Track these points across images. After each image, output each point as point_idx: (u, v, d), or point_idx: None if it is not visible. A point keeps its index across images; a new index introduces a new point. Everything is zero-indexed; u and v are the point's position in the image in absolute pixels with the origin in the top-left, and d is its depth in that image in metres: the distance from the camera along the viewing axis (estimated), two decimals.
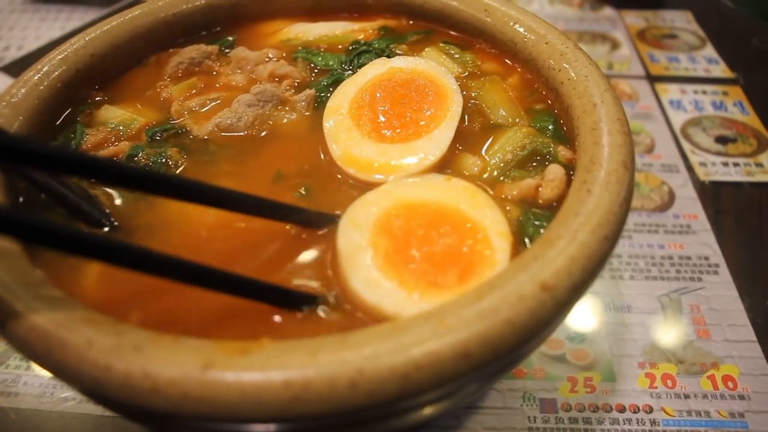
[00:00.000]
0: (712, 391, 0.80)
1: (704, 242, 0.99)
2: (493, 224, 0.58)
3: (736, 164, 1.14)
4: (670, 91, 1.33)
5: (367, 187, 0.64)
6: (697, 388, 0.80)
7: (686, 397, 0.79)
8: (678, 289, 0.92)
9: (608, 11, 1.62)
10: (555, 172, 0.62)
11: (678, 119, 1.25)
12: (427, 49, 0.84)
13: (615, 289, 0.92)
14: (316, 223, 0.61)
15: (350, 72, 0.81)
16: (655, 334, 0.86)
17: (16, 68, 1.33)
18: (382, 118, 0.68)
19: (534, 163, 0.66)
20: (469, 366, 0.45)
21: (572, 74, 0.70)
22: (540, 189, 0.62)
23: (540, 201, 0.62)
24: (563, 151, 0.66)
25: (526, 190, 0.62)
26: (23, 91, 0.71)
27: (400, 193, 0.61)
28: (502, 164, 0.66)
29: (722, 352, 0.84)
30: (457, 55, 0.82)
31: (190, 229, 0.62)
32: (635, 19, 1.58)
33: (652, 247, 0.98)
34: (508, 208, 0.62)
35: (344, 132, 0.68)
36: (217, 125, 0.73)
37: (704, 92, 1.33)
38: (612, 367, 0.82)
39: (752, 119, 1.25)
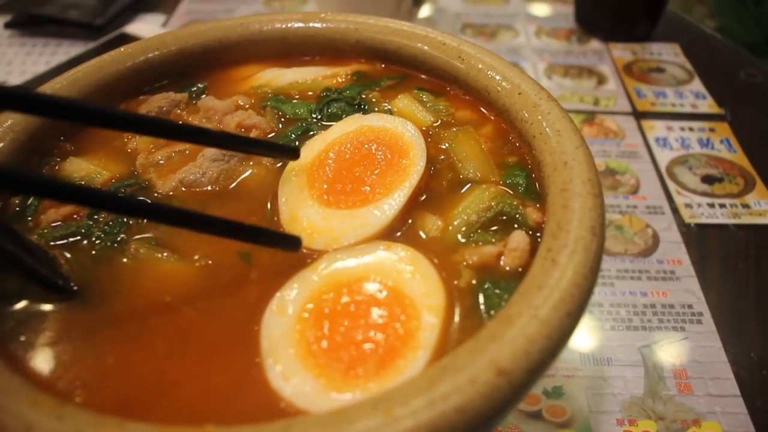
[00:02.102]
0: None
1: (688, 289, 0.97)
2: (427, 298, 0.56)
3: (722, 205, 1.12)
4: (656, 128, 1.31)
5: (309, 254, 0.62)
6: None
7: None
8: (660, 339, 0.90)
9: (595, 44, 1.61)
10: (518, 240, 0.60)
11: (664, 158, 1.23)
12: (400, 96, 0.82)
13: (596, 341, 0.90)
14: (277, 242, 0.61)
15: (318, 121, 0.79)
16: (636, 388, 0.84)
17: None
18: (335, 181, 0.66)
19: (499, 226, 0.64)
20: None
21: (545, 128, 0.68)
22: (502, 257, 0.60)
23: (500, 269, 0.60)
24: (533, 214, 0.63)
25: (486, 258, 0.60)
26: None
27: (334, 269, 0.59)
28: (464, 226, 0.63)
29: (705, 407, 0.82)
30: (431, 104, 0.80)
31: (151, 293, 0.60)
32: (622, 52, 1.57)
33: (635, 294, 0.96)
34: (461, 274, 0.59)
35: (296, 192, 0.66)
36: (181, 181, 0.71)
37: (691, 129, 1.31)
38: (590, 425, 0.80)
39: (739, 157, 1.24)
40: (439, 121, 0.78)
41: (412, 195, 0.64)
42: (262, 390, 0.51)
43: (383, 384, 0.50)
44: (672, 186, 1.16)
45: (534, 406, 0.81)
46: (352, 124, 0.73)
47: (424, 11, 1.71)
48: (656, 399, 0.83)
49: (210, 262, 0.63)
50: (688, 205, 1.12)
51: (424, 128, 0.75)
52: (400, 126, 0.71)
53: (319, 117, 0.80)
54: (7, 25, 1.73)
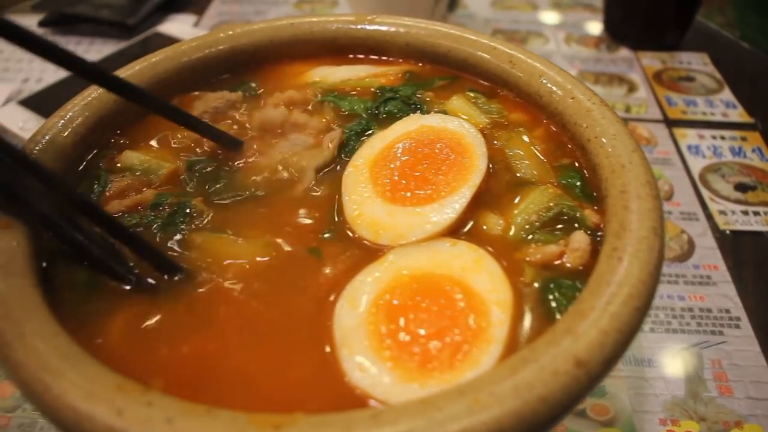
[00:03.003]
0: None
1: (725, 294, 0.98)
2: (494, 293, 0.57)
3: (756, 213, 1.13)
4: (688, 136, 1.32)
5: (374, 248, 0.64)
6: None
7: None
8: (699, 342, 0.91)
9: (625, 52, 1.62)
10: (579, 240, 0.61)
11: (697, 165, 1.24)
12: (454, 98, 0.83)
13: (635, 342, 0.91)
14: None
15: (375, 118, 0.81)
16: (676, 389, 0.85)
17: (33, 102, 1.34)
18: (398, 178, 0.68)
19: (560, 225, 0.65)
20: None
21: (599, 132, 0.70)
22: (564, 256, 0.61)
23: (563, 268, 0.61)
24: (590, 215, 0.65)
25: (549, 257, 0.61)
26: (47, 138, 0.71)
27: (401, 264, 0.60)
28: (527, 225, 0.65)
29: (746, 410, 0.83)
30: (485, 105, 0.82)
31: (220, 283, 0.62)
32: (652, 60, 1.58)
33: (672, 298, 0.98)
34: (525, 272, 0.61)
35: (360, 189, 0.68)
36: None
37: (722, 137, 1.32)
38: (633, 424, 0.81)
39: None
40: (493, 123, 0.79)
41: (474, 194, 0.66)
42: (338, 381, 0.53)
43: (458, 376, 0.51)
44: (705, 193, 1.17)
45: (579, 405, 0.82)
46: (412, 123, 0.74)
47: (455, 16, 1.73)
48: (697, 400, 0.84)
49: (278, 254, 0.64)
50: (722, 212, 1.13)
51: (480, 128, 0.77)
52: (461, 126, 0.72)
53: (376, 114, 0.81)
54: (41, 24, 1.75)
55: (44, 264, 0.62)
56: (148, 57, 0.87)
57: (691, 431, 0.81)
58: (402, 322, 0.56)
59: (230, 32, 0.91)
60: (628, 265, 0.54)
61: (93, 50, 1.67)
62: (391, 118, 0.79)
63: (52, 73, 1.54)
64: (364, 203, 0.67)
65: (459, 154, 0.69)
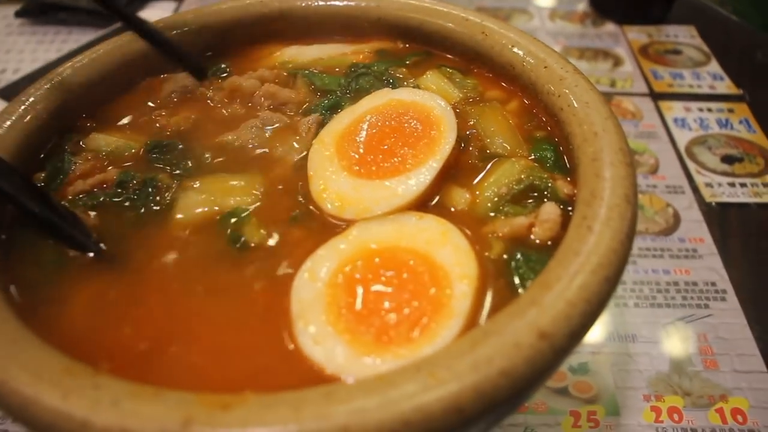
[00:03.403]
0: (721, 425, 0.77)
1: (711, 267, 0.97)
2: (459, 267, 0.55)
3: (743, 185, 1.11)
4: (674, 109, 1.30)
5: (339, 223, 0.62)
6: (705, 422, 0.78)
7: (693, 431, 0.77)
8: (684, 316, 0.90)
9: (610, 26, 1.60)
10: (549, 212, 0.59)
11: (683, 138, 1.22)
12: (428, 73, 0.81)
13: (619, 318, 0.89)
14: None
15: (349, 95, 0.79)
16: (661, 364, 0.84)
17: (10, 91, 1.32)
18: (365, 152, 0.66)
19: (531, 199, 0.63)
20: (461, 420, 0.42)
21: (572, 100, 0.67)
22: (533, 228, 0.59)
23: (532, 240, 0.59)
24: (563, 187, 0.63)
25: (517, 229, 0.59)
26: (8, 123, 0.69)
27: (365, 237, 0.59)
28: (495, 198, 0.63)
29: (731, 383, 0.81)
30: (459, 80, 0.80)
31: (176, 254, 0.61)
32: (638, 34, 1.56)
33: (657, 272, 0.96)
34: (492, 245, 0.59)
35: (326, 163, 0.66)
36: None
37: (709, 110, 1.30)
38: (616, 401, 0.79)
39: (759, 137, 1.23)
40: (466, 98, 0.77)
41: (443, 167, 0.63)
42: (293, 355, 0.52)
43: (415, 350, 0.50)
44: (692, 166, 1.15)
45: (560, 383, 0.81)
46: (381, 97, 0.72)
47: None
48: (682, 375, 0.82)
49: (236, 232, 0.63)
50: (709, 185, 1.11)
51: (452, 104, 0.74)
52: (430, 100, 0.70)
53: (348, 90, 0.79)
54: (18, 14, 1.72)
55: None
56: (114, 39, 0.85)
57: (675, 406, 0.79)
58: (361, 295, 0.54)
59: (197, 12, 0.89)
60: (599, 233, 0.52)
61: (71, 39, 1.64)
62: (363, 94, 0.77)
63: (29, 64, 1.52)
64: (329, 178, 0.65)
65: (428, 127, 0.67)
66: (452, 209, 0.63)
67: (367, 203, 0.61)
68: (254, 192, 0.66)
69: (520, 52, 0.76)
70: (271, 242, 0.61)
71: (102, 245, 0.62)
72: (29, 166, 0.70)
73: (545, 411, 0.78)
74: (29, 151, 0.71)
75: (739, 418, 0.78)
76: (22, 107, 0.72)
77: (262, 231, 0.62)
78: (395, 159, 0.64)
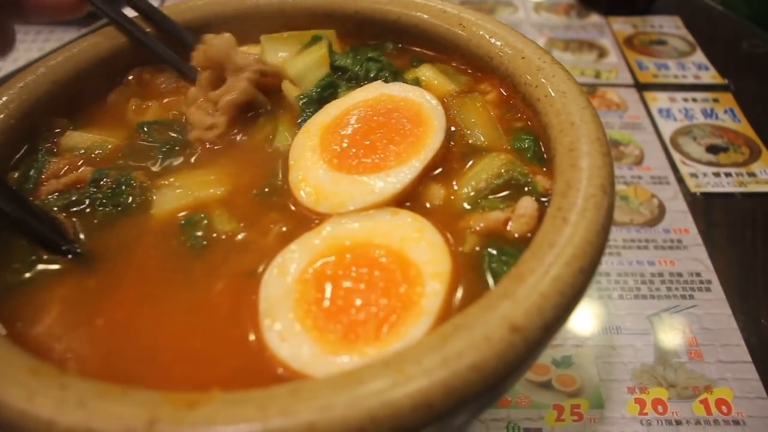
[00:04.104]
0: (706, 417, 0.77)
1: (696, 257, 0.96)
2: (432, 265, 0.54)
3: (728, 174, 1.11)
4: (659, 100, 1.30)
5: (314, 217, 0.61)
6: (690, 414, 0.77)
7: (678, 423, 0.76)
8: (669, 307, 0.89)
9: (595, 18, 1.59)
10: (526, 206, 0.58)
11: (667, 128, 1.22)
12: (424, 66, 0.81)
13: (603, 310, 0.89)
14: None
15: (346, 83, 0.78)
16: (646, 356, 0.83)
17: None
18: (348, 146, 0.65)
19: (507, 193, 0.62)
20: (431, 415, 0.42)
21: (549, 90, 0.67)
22: (509, 223, 0.58)
23: (508, 235, 0.58)
24: (542, 180, 0.62)
25: (493, 223, 0.59)
26: None
27: (338, 233, 0.58)
28: (472, 193, 0.62)
29: (716, 374, 0.81)
30: (452, 73, 0.80)
31: (151, 252, 0.60)
32: (623, 25, 1.55)
33: (642, 264, 0.95)
34: (466, 240, 0.58)
35: (308, 153, 0.65)
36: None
37: (694, 100, 1.30)
38: (600, 393, 0.79)
39: (744, 127, 1.22)
40: (461, 91, 0.76)
41: (426, 167, 0.62)
42: (259, 352, 0.51)
43: (382, 348, 0.49)
44: (677, 156, 1.15)
45: (543, 376, 0.80)
46: (372, 91, 0.71)
47: None
48: (667, 366, 0.82)
49: (210, 222, 0.63)
50: (694, 175, 1.11)
51: (442, 96, 0.74)
52: (421, 97, 0.68)
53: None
54: None
55: None
56: (89, 37, 0.84)
57: (660, 398, 0.78)
58: (331, 291, 0.53)
59: (174, 9, 0.88)
60: (574, 224, 0.52)
61: (54, 38, 1.63)
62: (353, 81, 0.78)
63: (11, 63, 1.50)
64: (309, 169, 0.64)
65: (415, 126, 0.66)
66: (428, 205, 0.62)
67: (342, 198, 0.60)
68: (228, 186, 0.66)
69: (498, 43, 0.75)
70: (243, 236, 0.61)
71: (76, 246, 0.61)
72: (3, 166, 0.70)
73: (528, 405, 0.77)
74: (2, 151, 0.70)
75: (724, 408, 0.77)
76: None
77: (234, 225, 0.61)
78: (378, 155, 0.63)
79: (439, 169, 0.65)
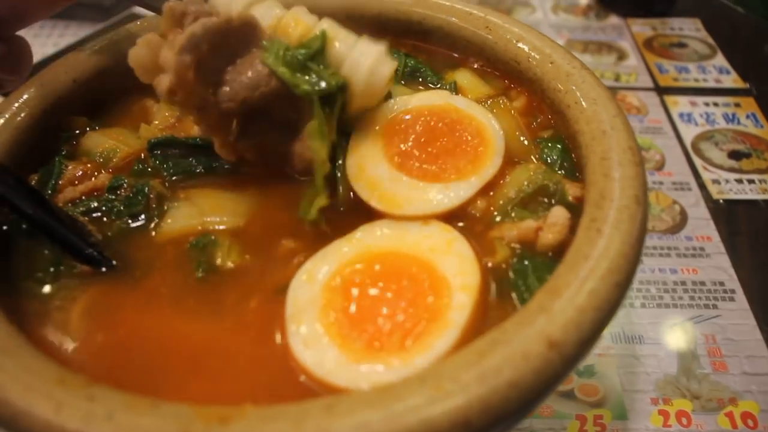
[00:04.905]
0: (731, 430, 0.76)
1: (719, 266, 0.95)
2: (460, 277, 0.53)
3: (750, 181, 1.09)
4: (679, 104, 1.28)
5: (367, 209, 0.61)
6: (715, 427, 0.76)
7: None
8: (692, 317, 0.88)
9: (614, 19, 1.58)
10: (558, 215, 0.57)
11: (689, 133, 1.20)
12: (461, 70, 0.80)
13: (626, 318, 0.88)
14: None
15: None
16: (669, 367, 0.82)
17: None
18: (411, 148, 0.64)
19: (538, 202, 0.61)
20: None
21: (579, 97, 0.66)
22: (540, 233, 0.57)
23: (539, 246, 0.57)
24: (572, 189, 0.61)
25: (525, 233, 0.58)
26: (0, 122, 0.68)
27: (368, 242, 0.57)
28: (502, 202, 0.61)
29: (740, 386, 0.80)
30: (488, 79, 0.79)
31: (170, 264, 0.60)
32: (642, 27, 1.54)
33: (664, 272, 0.94)
34: (497, 251, 0.57)
35: (370, 145, 0.64)
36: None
37: (716, 104, 1.28)
38: (623, 404, 0.78)
39: (766, 132, 1.21)
40: (495, 95, 0.75)
41: (482, 188, 0.62)
42: (283, 359, 0.51)
43: (407, 359, 0.48)
44: (698, 162, 1.13)
45: (566, 386, 0.79)
46: (439, 98, 0.69)
47: None
48: (690, 378, 0.81)
49: (242, 229, 0.62)
50: (716, 181, 1.09)
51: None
52: (484, 117, 0.67)
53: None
54: None
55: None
56: (110, 35, 0.83)
57: (684, 410, 0.77)
58: (357, 300, 0.52)
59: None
60: (608, 237, 0.51)
61: (69, 33, 1.62)
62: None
63: None
64: (368, 160, 0.63)
65: (477, 143, 0.64)
66: (464, 215, 0.61)
67: (399, 200, 0.60)
68: (246, 212, 0.64)
69: (526, 47, 0.74)
70: (260, 258, 0.60)
71: (99, 251, 0.59)
72: (24, 166, 0.68)
73: (551, 415, 0.76)
74: (23, 151, 0.69)
75: (750, 422, 0.76)
76: (15, 106, 0.70)
77: (246, 256, 0.60)
78: (439, 165, 0.62)
79: (492, 193, 0.63)
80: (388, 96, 0.71)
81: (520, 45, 0.75)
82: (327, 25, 0.62)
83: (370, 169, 0.62)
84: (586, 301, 0.46)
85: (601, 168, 0.57)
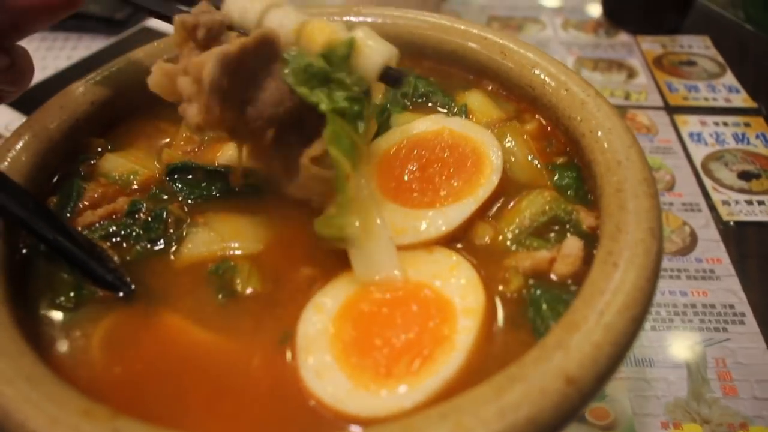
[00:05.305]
0: None
1: (729, 289, 0.95)
2: (464, 301, 0.55)
3: (760, 202, 1.10)
4: (689, 123, 1.29)
5: None
6: None
7: None
8: (702, 340, 0.88)
9: (624, 36, 1.58)
10: (572, 246, 0.58)
11: (699, 153, 1.21)
12: (473, 90, 0.82)
13: (636, 341, 0.88)
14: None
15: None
16: (679, 390, 0.82)
17: (20, 101, 1.30)
18: (405, 176, 0.65)
19: (553, 231, 0.62)
20: None
21: (594, 126, 0.66)
22: (554, 264, 0.58)
23: (552, 276, 0.58)
24: (586, 218, 0.62)
25: (539, 263, 0.58)
26: (20, 145, 0.69)
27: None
28: (517, 231, 0.62)
29: (751, 411, 0.80)
30: (500, 101, 0.80)
31: (190, 292, 0.60)
32: (651, 44, 1.54)
33: (674, 294, 0.95)
34: (511, 279, 0.58)
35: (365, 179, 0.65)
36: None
37: (725, 123, 1.29)
38: (634, 428, 0.78)
39: None
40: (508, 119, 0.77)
41: (480, 208, 0.63)
42: (296, 388, 0.52)
43: (415, 385, 0.49)
44: (708, 182, 1.14)
45: None
46: (434, 123, 0.70)
47: (449, 3, 1.69)
48: (701, 402, 0.81)
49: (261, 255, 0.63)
50: (726, 202, 1.10)
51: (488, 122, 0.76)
52: (480, 136, 0.68)
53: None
54: None
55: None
56: (128, 55, 0.83)
57: None
58: (365, 328, 0.54)
59: None
60: (624, 270, 0.52)
61: (81, 46, 1.63)
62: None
63: (40, 71, 1.50)
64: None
65: (473, 164, 0.66)
66: (476, 242, 0.62)
67: (395, 231, 0.60)
68: (265, 237, 0.65)
69: (541, 74, 0.75)
70: (279, 285, 0.61)
71: (120, 277, 0.60)
72: (43, 189, 0.70)
73: None
74: (42, 173, 0.70)
75: None
76: (35, 128, 0.71)
77: (265, 283, 0.61)
78: (434, 191, 0.64)
79: (494, 208, 0.65)
80: (387, 126, 0.73)
81: (535, 71, 0.75)
82: (362, 33, 0.62)
83: None
84: (602, 336, 0.47)
85: (616, 200, 0.58)
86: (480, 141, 0.68)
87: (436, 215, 0.62)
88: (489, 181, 0.64)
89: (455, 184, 0.64)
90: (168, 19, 0.68)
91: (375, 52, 0.60)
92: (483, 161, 0.66)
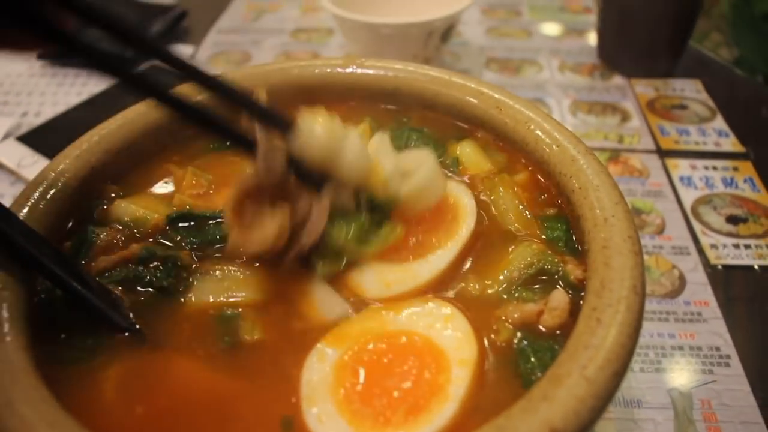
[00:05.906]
0: None
1: (715, 331, 0.99)
2: (458, 352, 0.59)
3: (747, 246, 1.13)
4: (680, 167, 1.33)
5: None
6: None
7: None
8: (688, 382, 0.91)
9: (618, 79, 1.63)
10: (558, 299, 0.62)
11: (688, 197, 1.25)
12: (465, 142, 0.86)
13: (625, 383, 0.91)
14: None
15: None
16: (666, 431, 0.85)
17: (31, 138, 1.34)
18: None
19: (541, 282, 0.66)
20: None
21: (584, 182, 0.70)
22: (542, 316, 0.62)
23: (540, 327, 0.62)
24: (573, 270, 0.66)
25: (528, 315, 0.63)
26: (38, 193, 0.72)
27: (373, 323, 0.63)
28: (506, 284, 0.66)
29: None
30: (491, 153, 0.85)
31: (200, 338, 0.64)
32: (645, 88, 1.59)
33: (663, 336, 0.98)
34: (500, 331, 0.62)
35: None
36: None
37: (715, 167, 1.33)
38: None
39: (763, 197, 1.25)
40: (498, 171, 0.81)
41: (456, 258, 0.68)
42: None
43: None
44: (697, 226, 1.18)
45: None
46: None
47: (449, 45, 1.74)
48: None
49: (264, 304, 0.67)
50: (714, 246, 1.13)
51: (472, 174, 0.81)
52: (457, 190, 0.73)
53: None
54: (40, 56, 1.76)
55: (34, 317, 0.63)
56: (141, 105, 0.86)
57: None
58: (364, 376, 0.58)
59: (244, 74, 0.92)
60: (607, 326, 0.55)
61: (91, 83, 1.67)
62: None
63: (51, 107, 1.55)
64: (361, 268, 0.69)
65: (452, 217, 0.71)
66: (466, 292, 0.66)
67: (384, 285, 0.65)
68: (268, 288, 0.68)
69: (535, 129, 0.79)
70: (282, 333, 0.65)
71: (135, 323, 0.64)
72: (58, 235, 0.73)
73: None
74: (57, 220, 0.73)
75: None
76: (52, 176, 0.74)
77: (270, 331, 0.64)
78: (416, 244, 0.69)
79: (469, 261, 0.70)
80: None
81: (530, 127, 0.79)
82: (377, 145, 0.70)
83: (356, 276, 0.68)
84: (585, 390, 0.50)
85: (602, 257, 0.62)
86: (456, 194, 0.74)
87: (421, 264, 0.67)
88: (467, 224, 0.70)
89: (436, 236, 0.69)
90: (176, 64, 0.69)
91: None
92: (459, 210, 0.72)
